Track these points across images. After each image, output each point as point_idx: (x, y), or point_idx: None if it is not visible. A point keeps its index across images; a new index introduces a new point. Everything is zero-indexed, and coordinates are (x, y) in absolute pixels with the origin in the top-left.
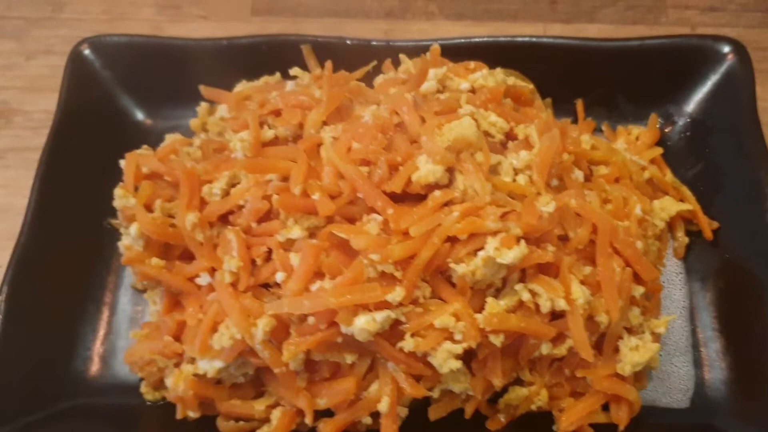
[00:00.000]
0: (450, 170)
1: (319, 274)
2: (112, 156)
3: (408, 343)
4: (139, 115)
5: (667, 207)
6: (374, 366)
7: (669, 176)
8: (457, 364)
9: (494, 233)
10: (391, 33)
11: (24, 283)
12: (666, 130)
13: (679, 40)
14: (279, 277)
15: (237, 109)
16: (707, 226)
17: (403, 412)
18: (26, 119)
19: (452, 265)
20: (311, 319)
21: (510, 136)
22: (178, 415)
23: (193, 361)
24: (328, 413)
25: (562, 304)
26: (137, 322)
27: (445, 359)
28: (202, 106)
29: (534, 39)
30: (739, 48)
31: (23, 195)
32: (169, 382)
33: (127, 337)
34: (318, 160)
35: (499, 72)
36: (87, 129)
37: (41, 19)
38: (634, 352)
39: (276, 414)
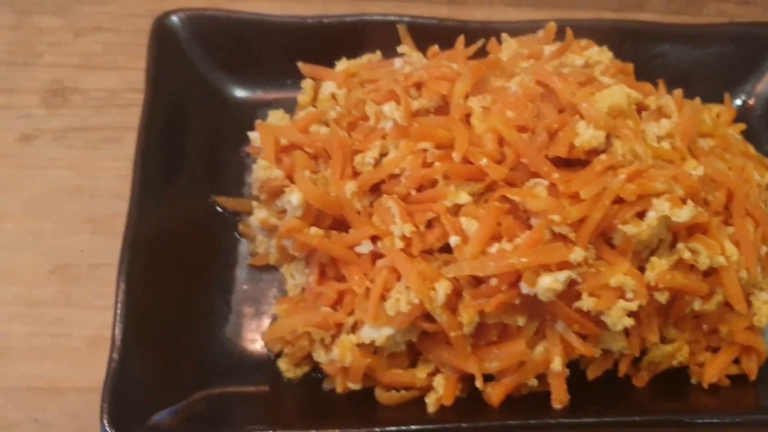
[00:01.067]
0: (606, 136)
1: (493, 238)
2: (208, 132)
3: (586, 303)
4: (233, 92)
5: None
6: (541, 328)
7: (751, 150)
8: (630, 321)
9: (659, 195)
10: (455, 17)
11: (139, 273)
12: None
13: (747, 26)
14: (453, 241)
15: (346, 86)
16: None
17: (566, 372)
18: (84, 98)
19: (620, 227)
20: (493, 281)
21: (641, 107)
22: (339, 389)
23: (353, 330)
24: (488, 378)
25: (721, 260)
26: (260, 301)
27: (620, 317)
28: (308, 82)
29: (613, 21)
30: None
31: (92, 176)
32: (319, 355)
33: (252, 316)
34: (469, 130)
35: (606, 49)
36: (179, 105)
37: None
38: (766, 305)
39: (439, 380)
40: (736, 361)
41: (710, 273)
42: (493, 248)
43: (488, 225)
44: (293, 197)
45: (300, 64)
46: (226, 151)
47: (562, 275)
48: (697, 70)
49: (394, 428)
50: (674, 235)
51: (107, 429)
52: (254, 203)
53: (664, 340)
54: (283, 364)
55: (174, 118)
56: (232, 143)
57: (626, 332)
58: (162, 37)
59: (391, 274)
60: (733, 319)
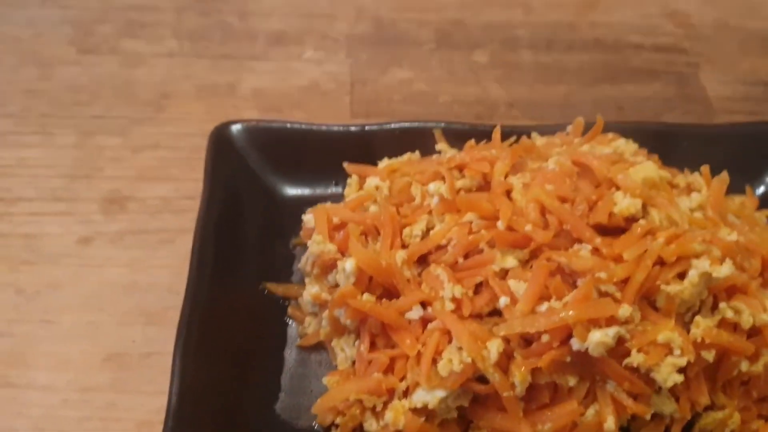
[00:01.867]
0: (643, 206)
1: (542, 298)
2: (260, 227)
3: (636, 358)
4: (283, 191)
5: None
6: (592, 389)
7: None
8: (680, 378)
9: (698, 256)
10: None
11: (192, 355)
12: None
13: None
14: (502, 301)
15: (389, 179)
16: None
17: None
18: (140, 205)
19: (663, 287)
20: (545, 338)
21: (671, 185)
22: None
23: (405, 396)
24: None
25: (765, 318)
26: (309, 379)
27: (669, 373)
28: (353, 178)
29: (636, 123)
30: None
31: (147, 273)
32: (370, 424)
33: (302, 393)
34: (512, 203)
35: (631, 142)
36: (233, 203)
37: (143, 119)
38: None
39: None
40: None
41: (754, 334)
42: (543, 307)
43: (537, 283)
44: (347, 263)
45: (345, 164)
46: (276, 244)
47: (612, 330)
48: (716, 165)
49: None
50: (715, 297)
51: None
52: (307, 279)
53: (714, 406)
54: None
55: (228, 215)
56: (281, 237)
57: (676, 395)
58: (219, 141)
59: (442, 337)
60: None
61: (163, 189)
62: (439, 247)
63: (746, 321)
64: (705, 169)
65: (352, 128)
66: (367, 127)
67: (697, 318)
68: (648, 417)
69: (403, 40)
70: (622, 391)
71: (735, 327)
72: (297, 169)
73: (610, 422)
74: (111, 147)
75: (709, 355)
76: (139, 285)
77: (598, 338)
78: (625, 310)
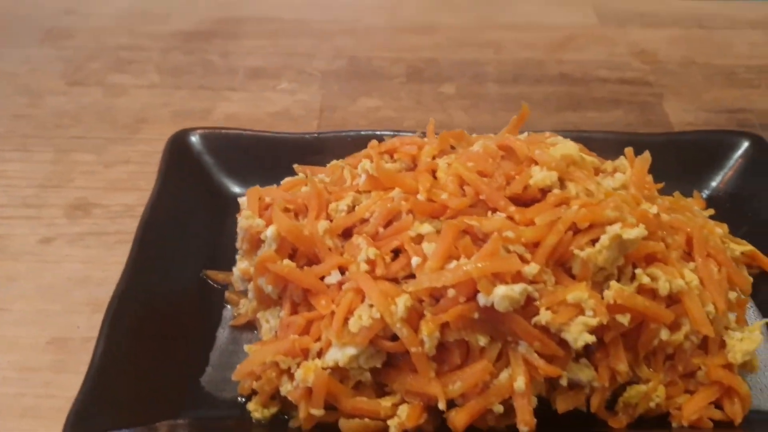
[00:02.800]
0: (561, 181)
1: (451, 257)
2: (207, 222)
3: (544, 316)
4: (234, 192)
5: (732, 250)
6: (504, 352)
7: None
8: (591, 338)
9: (612, 222)
10: None
11: (124, 325)
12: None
13: (709, 134)
14: (414, 261)
15: (331, 172)
16: (767, 262)
17: (534, 401)
18: (105, 211)
19: (576, 252)
20: (451, 292)
21: (598, 170)
22: (301, 414)
23: (319, 356)
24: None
25: (680, 284)
26: (237, 356)
27: (580, 332)
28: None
29: (582, 131)
30: (755, 138)
31: (100, 269)
32: (286, 387)
33: (228, 368)
34: (435, 181)
35: (570, 140)
36: (183, 196)
37: (119, 139)
38: (741, 342)
39: (404, 409)
40: (721, 409)
41: (674, 303)
42: (452, 265)
43: (446, 241)
44: (269, 230)
45: (295, 165)
46: (222, 239)
47: (518, 287)
48: (665, 172)
49: None
50: (633, 265)
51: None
52: (237, 256)
53: (638, 380)
54: (252, 405)
55: (176, 209)
56: (228, 232)
57: (595, 364)
58: (175, 144)
59: (356, 296)
60: (707, 358)
61: (129, 198)
62: (364, 221)
63: (663, 287)
64: (629, 150)
65: (306, 136)
66: (320, 135)
67: (612, 282)
68: (564, 383)
69: (376, 74)
70: (534, 352)
71: (654, 295)
72: (250, 171)
73: (520, 382)
74: (85, 163)
75: (624, 319)
76: (92, 279)
77: (503, 292)
78: (532, 268)
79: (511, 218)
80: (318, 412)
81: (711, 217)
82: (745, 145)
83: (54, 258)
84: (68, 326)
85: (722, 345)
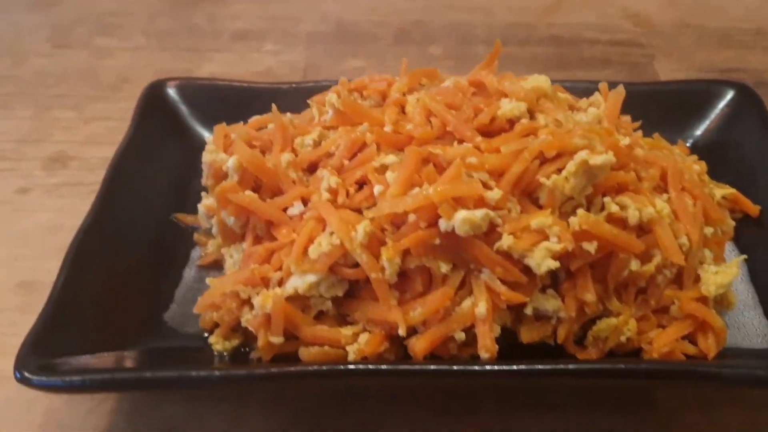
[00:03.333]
0: (530, 113)
1: (414, 185)
2: (179, 167)
3: (506, 241)
4: (206, 136)
5: (714, 191)
6: (467, 280)
7: (706, 177)
8: (555, 264)
9: (580, 150)
10: None
11: (89, 259)
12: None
13: (695, 83)
14: (377, 190)
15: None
16: (751, 206)
17: (496, 330)
18: (82, 163)
19: (543, 180)
20: (411, 217)
21: (573, 107)
22: (260, 342)
23: (280, 285)
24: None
25: (650, 212)
26: (201, 293)
27: (543, 258)
28: None
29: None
30: (742, 87)
31: (74, 217)
32: (246, 318)
33: (190, 305)
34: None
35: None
36: (155, 143)
37: (101, 97)
38: (716, 275)
39: (364, 337)
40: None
41: (645, 233)
42: (414, 191)
43: (407, 167)
44: (230, 161)
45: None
46: (194, 184)
47: (480, 212)
48: (650, 121)
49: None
50: (603, 196)
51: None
52: (203, 194)
53: (609, 314)
54: (213, 338)
55: (146, 154)
56: (200, 177)
57: (562, 295)
58: (150, 93)
59: (317, 225)
60: (681, 291)
61: (106, 151)
62: (329, 155)
63: (633, 216)
64: (603, 85)
65: (283, 86)
66: (297, 84)
67: (579, 210)
68: (529, 312)
69: (362, 37)
70: (496, 279)
71: (624, 225)
72: (224, 120)
73: (482, 307)
74: (65, 119)
75: (591, 246)
76: (65, 227)
77: (464, 216)
78: (495, 194)
79: (477, 148)
80: (277, 339)
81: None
82: (731, 94)
83: (29, 207)
84: (38, 270)
85: (697, 279)
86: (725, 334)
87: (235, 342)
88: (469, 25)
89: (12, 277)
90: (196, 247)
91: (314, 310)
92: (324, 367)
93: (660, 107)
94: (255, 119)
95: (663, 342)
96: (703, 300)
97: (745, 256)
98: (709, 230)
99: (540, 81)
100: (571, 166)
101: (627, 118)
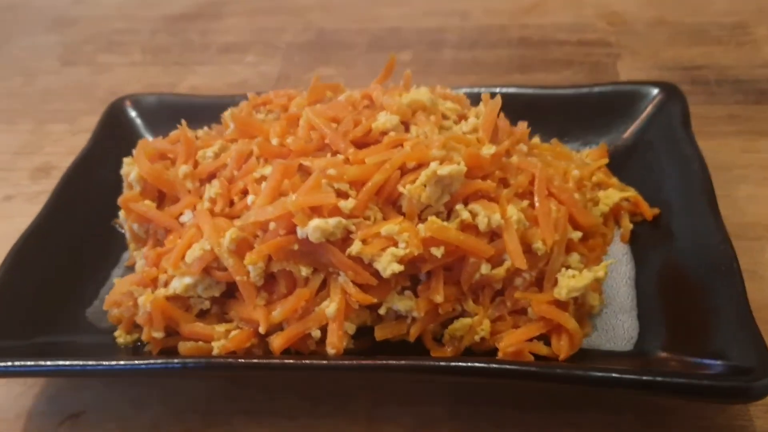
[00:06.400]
0: (406, 125)
1: (282, 194)
2: None
3: (355, 247)
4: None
5: (611, 195)
6: (327, 282)
7: (614, 180)
8: (399, 268)
9: (440, 162)
10: None
11: (31, 256)
12: (614, 154)
13: (621, 86)
14: (250, 199)
15: None
16: (648, 209)
17: (351, 328)
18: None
19: (401, 189)
20: (272, 225)
21: (462, 117)
22: (144, 336)
23: (166, 285)
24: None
25: (497, 219)
26: None
27: (389, 262)
28: None
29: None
30: (668, 87)
31: None
32: (138, 317)
33: None
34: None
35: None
36: (110, 154)
37: (91, 110)
38: (570, 279)
39: (234, 334)
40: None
41: (496, 239)
42: (279, 201)
43: (274, 179)
44: (132, 174)
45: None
46: None
47: (333, 220)
48: (576, 124)
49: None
50: (465, 204)
51: None
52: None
53: (466, 314)
54: (117, 332)
55: (100, 164)
56: None
57: (418, 296)
58: (111, 110)
59: (197, 232)
60: (534, 294)
61: None
62: (225, 166)
63: (482, 222)
64: (485, 95)
65: (224, 99)
66: (234, 97)
67: (431, 217)
68: (383, 312)
69: (338, 45)
70: (350, 282)
71: (477, 232)
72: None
73: (332, 307)
74: (57, 132)
75: (438, 251)
76: None
77: (316, 224)
78: (349, 203)
79: (347, 159)
80: (158, 334)
81: (609, 167)
82: (658, 95)
83: (11, 213)
84: None
85: (555, 283)
86: (580, 336)
87: (136, 335)
88: (441, 30)
89: None
90: (128, 250)
91: (195, 309)
92: (174, 361)
93: (592, 110)
94: (172, 135)
95: (509, 342)
96: (559, 303)
97: (611, 261)
98: (576, 234)
99: (420, 94)
100: (422, 176)
101: (522, 125)
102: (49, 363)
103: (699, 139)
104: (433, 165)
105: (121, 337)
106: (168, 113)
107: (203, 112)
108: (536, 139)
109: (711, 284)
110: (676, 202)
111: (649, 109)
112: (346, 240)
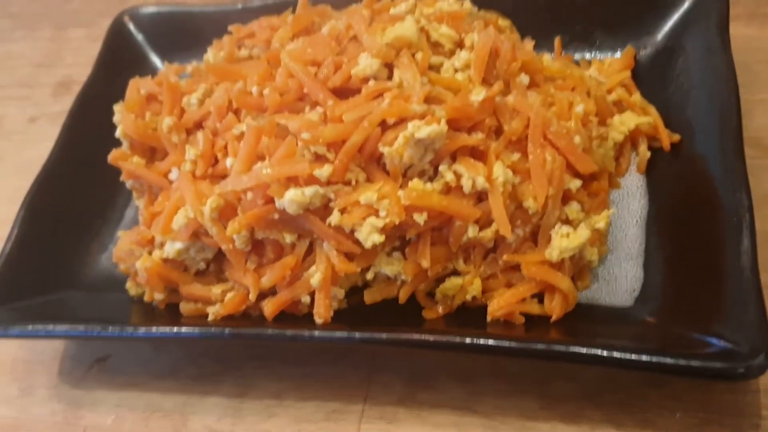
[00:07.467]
0: (389, 66)
1: (262, 157)
2: None
3: (334, 217)
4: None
5: (627, 120)
6: (312, 249)
7: (636, 96)
8: (380, 238)
9: (421, 117)
10: None
11: (46, 194)
12: (642, 59)
13: None
14: (228, 162)
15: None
16: (666, 137)
17: (340, 293)
18: None
19: (381, 148)
20: (249, 195)
21: (459, 44)
22: (146, 298)
23: (162, 247)
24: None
25: (481, 182)
26: None
27: (369, 233)
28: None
29: None
30: None
31: None
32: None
33: None
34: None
35: (467, 2)
36: (119, 74)
37: (109, 11)
38: (563, 239)
39: (229, 296)
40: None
41: (483, 200)
42: (256, 167)
43: (249, 145)
44: (117, 130)
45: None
46: None
47: (309, 190)
48: (601, 22)
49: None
50: (452, 160)
51: None
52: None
53: (456, 273)
54: (128, 283)
55: (111, 86)
56: None
57: (404, 254)
58: (116, 26)
59: (182, 196)
60: (525, 255)
61: None
62: (209, 115)
63: (466, 185)
64: (479, 24)
65: (239, 6)
66: (243, 7)
67: (414, 180)
68: (370, 277)
69: None
70: (334, 250)
71: (462, 192)
72: (177, 46)
73: (317, 277)
74: (76, 38)
75: (421, 218)
76: None
77: (292, 196)
78: (325, 170)
79: (325, 114)
80: (159, 296)
81: (633, 78)
82: None
83: (36, 138)
84: None
85: (550, 239)
86: (574, 295)
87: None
88: None
89: (12, 211)
90: None
91: (193, 269)
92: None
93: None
94: (161, 73)
95: (498, 305)
96: (552, 263)
97: (612, 211)
98: (575, 183)
99: (405, 29)
100: (401, 138)
101: (529, 45)
102: (82, 327)
103: (746, 25)
104: (411, 126)
105: (131, 289)
106: (172, 28)
107: (208, 25)
108: (546, 57)
109: (720, 237)
110: (699, 126)
111: (684, 11)
112: (327, 208)
